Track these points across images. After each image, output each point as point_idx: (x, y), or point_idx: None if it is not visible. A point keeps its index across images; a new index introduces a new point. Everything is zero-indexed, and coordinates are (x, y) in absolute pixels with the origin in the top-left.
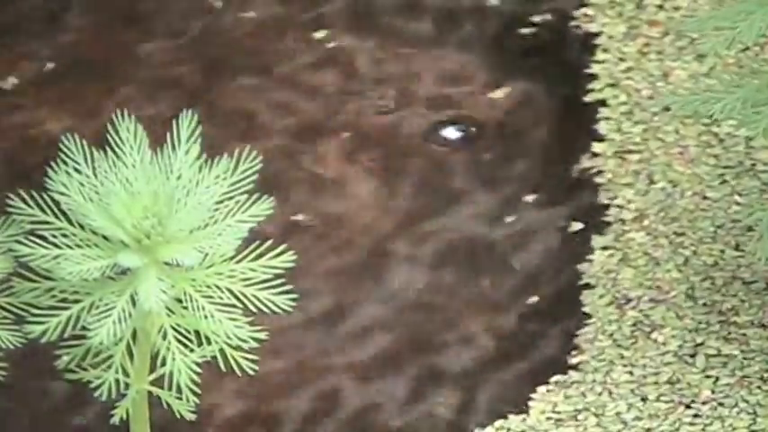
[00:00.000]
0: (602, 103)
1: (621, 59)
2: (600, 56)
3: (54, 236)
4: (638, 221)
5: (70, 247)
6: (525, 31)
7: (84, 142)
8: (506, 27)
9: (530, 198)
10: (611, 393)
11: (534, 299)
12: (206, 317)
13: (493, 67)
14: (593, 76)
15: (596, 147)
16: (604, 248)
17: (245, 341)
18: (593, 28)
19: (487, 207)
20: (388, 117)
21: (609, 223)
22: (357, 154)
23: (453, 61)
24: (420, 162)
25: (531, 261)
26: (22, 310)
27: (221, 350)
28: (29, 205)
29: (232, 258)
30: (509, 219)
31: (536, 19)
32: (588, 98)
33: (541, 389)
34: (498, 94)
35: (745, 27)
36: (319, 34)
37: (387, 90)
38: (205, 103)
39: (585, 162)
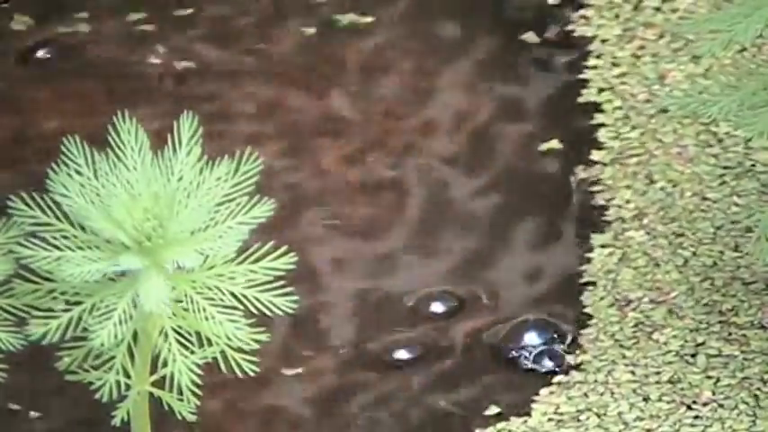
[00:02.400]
0: (598, 108)
1: (615, 65)
2: (592, 61)
3: (55, 238)
4: (637, 220)
5: (71, 249)
6: (523, 36)
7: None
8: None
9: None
10: (612, 393)
11: (535, 299)
12: (207, 318)
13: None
14: (588, 81)
15: (595, 154)
16: (603, 247)
17: (246, 343)
18: (588, 31)
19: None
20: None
21: (608, 222)
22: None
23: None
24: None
25: (532, 261)
26: (23, 311)
27: (222, 352)
28: (30, 207)
29: (233, 260)
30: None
31: (533, 22)
32: (582, 100)
33: (544, 390)
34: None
35: (740, 29)
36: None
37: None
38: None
39: (583, 171)
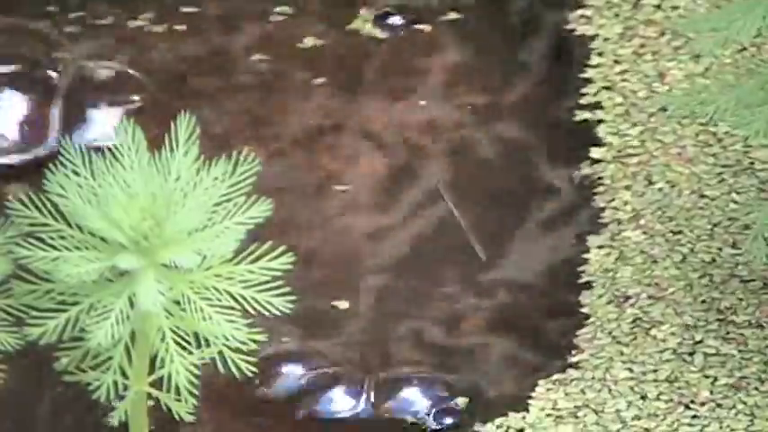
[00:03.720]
0: (598, 106)
1: (617, 61)
2: (595, 59)
3: (52, 238)
4: (634, 221)
5: (68, 249)
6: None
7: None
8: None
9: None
10: (610, 390)
11: (535, 298)
12: (204, 319)
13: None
14: (589, 80)
15: (595, 152)
16: (600, 247)
17: (243, 343)
18: (589, 30)
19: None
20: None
21: (605, 223)
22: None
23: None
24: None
25: (532, 261)
26: (21, 312)
27: (220, 352)
28: (27, 207)
29: (230, 260)
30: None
31: (532, 19)
32: (584, 101)
33: (541, 387)
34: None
35: (740, 28)
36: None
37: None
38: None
39: (585, 168)
